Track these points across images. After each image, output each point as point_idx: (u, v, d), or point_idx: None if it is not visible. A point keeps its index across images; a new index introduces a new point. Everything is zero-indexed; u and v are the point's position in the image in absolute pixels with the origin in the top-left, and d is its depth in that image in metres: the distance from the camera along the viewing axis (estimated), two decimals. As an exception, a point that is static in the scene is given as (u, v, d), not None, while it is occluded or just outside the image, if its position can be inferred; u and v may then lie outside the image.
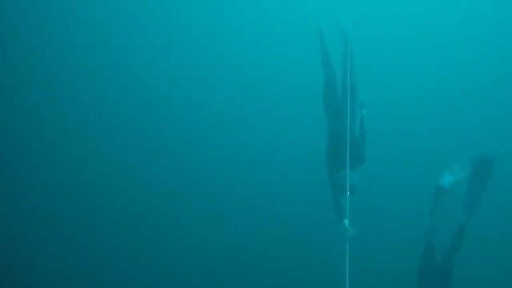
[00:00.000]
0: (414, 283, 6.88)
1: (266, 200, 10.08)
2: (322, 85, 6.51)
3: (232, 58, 10.29)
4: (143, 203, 10.29)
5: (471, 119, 9.89)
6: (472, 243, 7.02)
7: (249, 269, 9.89)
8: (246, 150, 10.15)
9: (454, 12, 9.89)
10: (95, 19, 10.34)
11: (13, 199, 10.06)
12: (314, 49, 6.71)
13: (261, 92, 10.26)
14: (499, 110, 9.95)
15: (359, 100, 6.31)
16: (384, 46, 9.80)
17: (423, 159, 9.50)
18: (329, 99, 6.39)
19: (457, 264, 6.84)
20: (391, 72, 9.79)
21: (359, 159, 6.06)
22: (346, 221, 5.75)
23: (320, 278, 8.94)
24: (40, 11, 10.21)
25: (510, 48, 9.96)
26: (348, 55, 6.48)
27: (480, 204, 6.95)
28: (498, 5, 9.90)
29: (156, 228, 10.20)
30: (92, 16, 10.32)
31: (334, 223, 6.00)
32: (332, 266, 5.98)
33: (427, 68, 9.97)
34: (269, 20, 10.20)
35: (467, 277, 7.04)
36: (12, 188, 10.08)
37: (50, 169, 10.29)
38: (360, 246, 5.78)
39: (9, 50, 10.24)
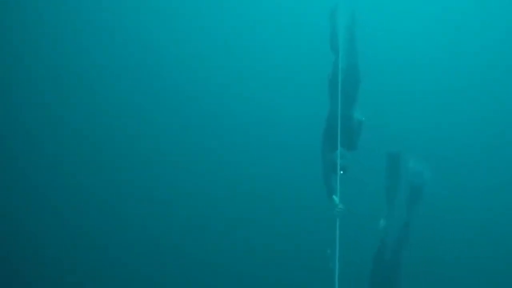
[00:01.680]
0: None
1: (259, 181, 10.13)
2: (331, 68, 6.68)
3: (240, 34, 10.30)
4: (141, 201, 10.29)
5: (466, 115, 10.02)
6: (419, 240, 7.22)
7: (241, 246, 10.02)
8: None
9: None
10: (94, 18, 10.34)
11: (14, 198, 10.08)
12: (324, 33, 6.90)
13: (265, 72, 10.30)
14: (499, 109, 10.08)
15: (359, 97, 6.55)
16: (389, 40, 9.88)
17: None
18: (334, 83, 6.56)
19: (405, 261, 7.01)
20: (392, 64, 9.81)
21: (352, 146, 6.35)
22: (336, 198, 5.99)
23: (310, 255, 8.97)
24: (40, 10, 10.22)
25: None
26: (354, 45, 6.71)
27: (422, 202, 7.15)
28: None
29: (152, 219, 10.20)
30: (91, 15, 10.34)
31: (324, 201, 6.22)
32: (322, 243, 6.27)
33: (429, 62, 10.02)
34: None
35: (414, 273, 7.25)
36: (14, 188, 10.11)
37: (51, 168, 10.32)
38: (350, 225, 6.08)
39: (8, 50, 10.26)
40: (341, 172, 5.98)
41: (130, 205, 10.22)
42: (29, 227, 10.02)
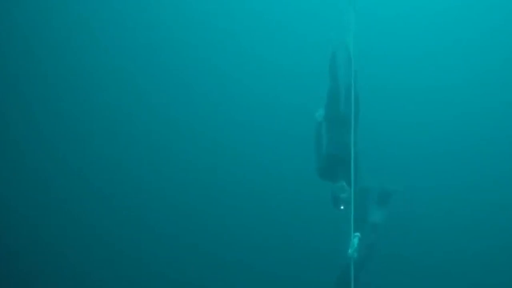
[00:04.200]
0: None
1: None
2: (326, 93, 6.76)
3: (240, 60, 10.45)
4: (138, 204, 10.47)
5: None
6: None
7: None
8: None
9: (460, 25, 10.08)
10: (93, 19, 10.45)
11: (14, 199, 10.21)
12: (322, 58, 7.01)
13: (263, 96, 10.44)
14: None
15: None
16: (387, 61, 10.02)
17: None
18: (331, 109, 6.64)
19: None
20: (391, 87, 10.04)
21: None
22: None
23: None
24: (39, 10, 10.33)
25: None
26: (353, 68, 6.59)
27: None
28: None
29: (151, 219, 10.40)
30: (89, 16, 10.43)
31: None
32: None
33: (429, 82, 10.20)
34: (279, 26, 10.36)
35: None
36: (12, 189, 10.24)
37: (50, 169, 10.43)
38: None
39: (7, 50, 10.35)
40: (342, 207, 6.02)
41: (129, 205, 10.41)
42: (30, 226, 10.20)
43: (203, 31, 10.49)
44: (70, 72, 10.52)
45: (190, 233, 10.24)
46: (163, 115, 10.65)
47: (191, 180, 10.45)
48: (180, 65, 10.57)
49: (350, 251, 5.88)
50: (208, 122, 10.55)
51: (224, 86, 10.57)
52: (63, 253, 10.08)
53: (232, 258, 10.04)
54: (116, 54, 10.52)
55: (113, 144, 10.57)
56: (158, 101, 10.64)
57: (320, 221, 8.90)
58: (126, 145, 10.61)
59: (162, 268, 10.15)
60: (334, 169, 6.19)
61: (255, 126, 10.44)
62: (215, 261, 10.06)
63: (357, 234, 5.87)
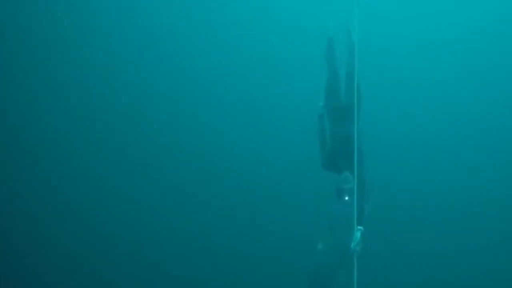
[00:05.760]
0: None
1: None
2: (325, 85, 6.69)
3: (237, 55, 10.55)
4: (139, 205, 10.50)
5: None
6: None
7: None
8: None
9: (459, 17, 10.15)
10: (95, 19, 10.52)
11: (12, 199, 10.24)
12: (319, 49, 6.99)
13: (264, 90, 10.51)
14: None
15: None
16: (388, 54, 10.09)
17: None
18: (331, 100, 6.56)
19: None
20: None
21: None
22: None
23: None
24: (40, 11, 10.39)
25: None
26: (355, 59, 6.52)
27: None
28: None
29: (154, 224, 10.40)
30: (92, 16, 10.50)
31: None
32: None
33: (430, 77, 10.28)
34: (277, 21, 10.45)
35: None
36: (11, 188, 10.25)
37: (49, 170, 10.46)
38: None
39: (8, 50, 10.41)
40: (346, 198, 5.90)
41: (133, 203, 10.47)
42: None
43: (201, 22, 10.61)
44: (77, 71, 10.65)
45: (194, 228, 10.28)
46: (163, 109, 10.72)
47: (195, 172, 10.53)
48: (178, 58, 10.70)
49: (352, 244, 5.77)
50: (210, 117, 10.61)
51: (226, 81, 10.67)
52: (66, 250, 10.14)
53: (231, 250, 10.08)
54: (116, 53, 10.61)
55: (115, 143, 10.61)
56: (158, 97, 10.72)
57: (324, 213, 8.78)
58: (128, 143, 10.65)
59: (166, 262, 10.17)
60: (337, 160, 6.13)
61: (257, 119, 10.55)
62: (217, 253, 10.10)
63: (360, 227, 5.76)
